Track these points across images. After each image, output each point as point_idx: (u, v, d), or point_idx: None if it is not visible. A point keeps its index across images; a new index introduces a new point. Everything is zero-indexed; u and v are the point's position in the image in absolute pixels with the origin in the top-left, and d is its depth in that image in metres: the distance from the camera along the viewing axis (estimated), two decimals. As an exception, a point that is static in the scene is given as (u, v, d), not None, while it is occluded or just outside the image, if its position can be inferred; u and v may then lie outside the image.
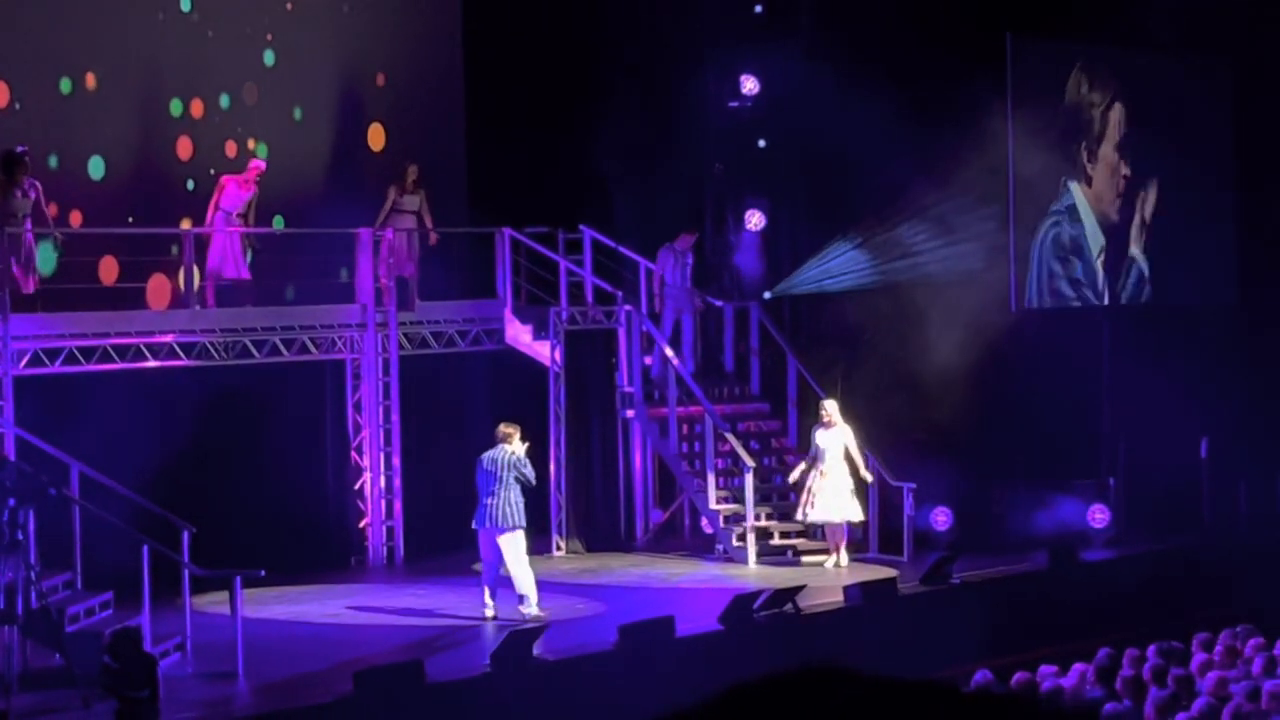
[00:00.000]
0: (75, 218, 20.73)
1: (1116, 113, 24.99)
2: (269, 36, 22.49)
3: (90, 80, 20.83)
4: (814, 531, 21.38)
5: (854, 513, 21.03)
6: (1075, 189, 24.58)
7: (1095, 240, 24.83)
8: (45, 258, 19.94)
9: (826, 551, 21.05)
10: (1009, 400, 23.42)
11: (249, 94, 22.27)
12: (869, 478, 21.11)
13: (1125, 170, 25.13)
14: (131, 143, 21.29)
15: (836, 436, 21.00)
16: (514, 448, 17.86)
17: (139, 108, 21.37)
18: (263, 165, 21.32)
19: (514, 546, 17.71)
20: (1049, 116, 23.94)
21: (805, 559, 21.13)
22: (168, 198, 21.42)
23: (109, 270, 20.87)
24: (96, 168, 20.93)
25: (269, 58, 22.47)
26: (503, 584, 17.88)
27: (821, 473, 20.89)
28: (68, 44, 20.66)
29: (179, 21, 21.60)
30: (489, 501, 17.69)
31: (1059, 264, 24.38)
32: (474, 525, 17.91)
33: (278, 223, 22.02)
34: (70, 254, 20.33)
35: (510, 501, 17.65)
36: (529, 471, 17.93)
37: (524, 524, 17.84)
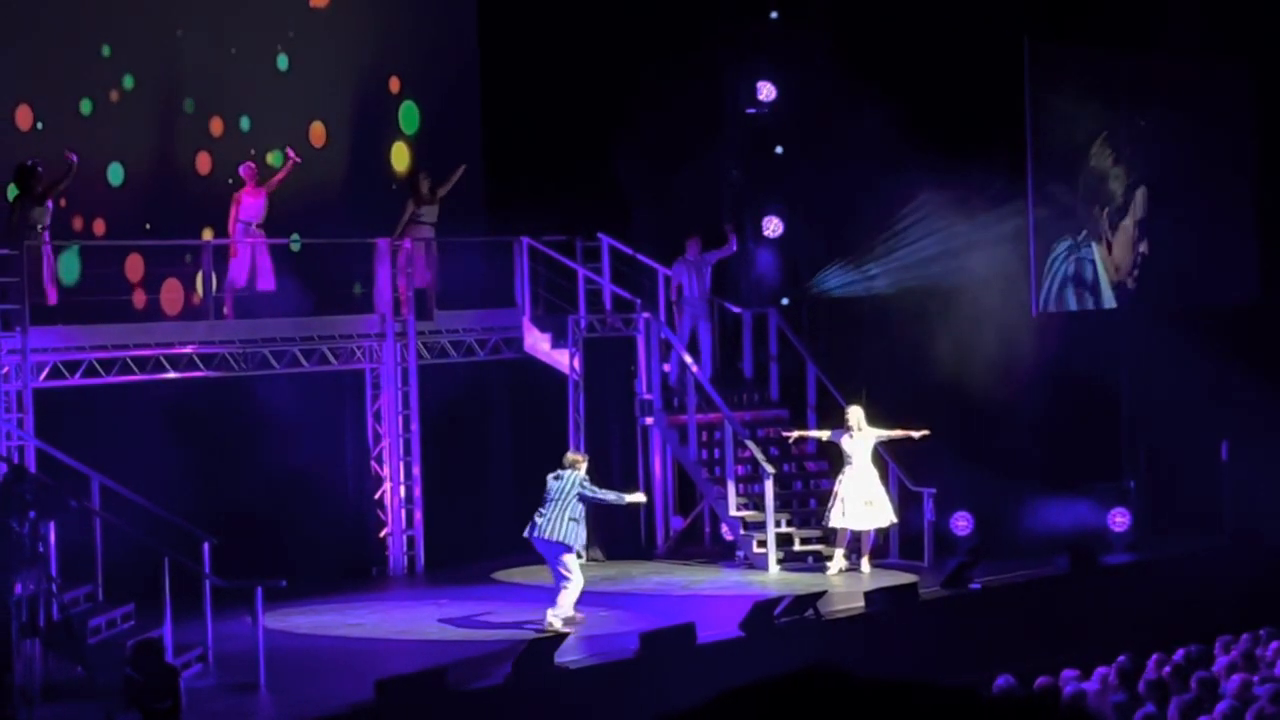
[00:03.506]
0: (98, 226, 20.77)
1: (1141, 194, 24.91)
2: (279, 47, 22.49)
3: (113, 95, 20.85)
4: (830, 535, 21.31)
5: (884, 518, 21.00)
6: (1095, 250, 24.47)
7: (1108, 296, 24.72)
8: (67, 268, 19.99)
9: (831, 558, 21.00)
10: (1029, 404, 23.36)
11: (265, 105, 22.29)
12: (925, 432, 20.98)
13: (1143, 248, 25.04)
14: (150, 151, 21.31)
15: (863, 442, 20.97)
16: (581, 473, 18.01)
17: (158, 120, 21.39)
18: (253, 165, 21.28)
19: (563, 560, 17.82)
20: (1070, 126, 23.87)
21: (829, 565, 21.08)
22: (186, 207, 21.43)
23: (135, 267, 20.89)
24: (116, 174, 20.96)
25: (282, 63, 22.48)
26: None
27: (849, 479, 20.87)
28: (87, 64, 20.68)
29: (197, 37, 21.62)
30: (541, 512, 17.83)
31: (1071, 287, 24.30)
32: (525, 535, 18.00)
33: (295, 239, 22.00)
34: (90, 265, 20.35)
35: (563, 519, 17.75)
36: (601, 493, 18.06)
37: (569, 540, 17.82)
